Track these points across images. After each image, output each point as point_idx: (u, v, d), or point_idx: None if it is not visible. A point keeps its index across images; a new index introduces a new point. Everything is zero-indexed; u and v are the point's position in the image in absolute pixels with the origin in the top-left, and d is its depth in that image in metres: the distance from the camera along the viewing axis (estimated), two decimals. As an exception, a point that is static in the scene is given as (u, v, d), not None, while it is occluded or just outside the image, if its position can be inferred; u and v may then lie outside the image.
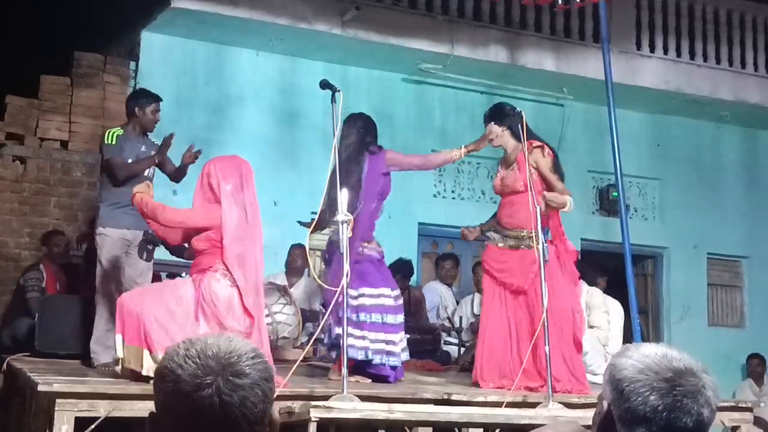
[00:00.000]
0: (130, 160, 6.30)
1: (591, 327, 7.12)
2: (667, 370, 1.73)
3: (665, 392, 1.71)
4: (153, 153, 6.45)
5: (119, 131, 6.46)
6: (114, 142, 6.34)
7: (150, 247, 6.22)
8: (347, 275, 4.78)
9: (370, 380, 5.67)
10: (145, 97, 6.65)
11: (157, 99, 6.58)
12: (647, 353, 1.77)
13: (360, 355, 5.58)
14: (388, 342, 5.73)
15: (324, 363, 6.59)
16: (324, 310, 5.71)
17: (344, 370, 4.55)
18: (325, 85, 5.22)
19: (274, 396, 1.61)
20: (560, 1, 8.69)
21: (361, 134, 5.96)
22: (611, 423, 1.77)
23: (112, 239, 6.15)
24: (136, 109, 6.51)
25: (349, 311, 5.60)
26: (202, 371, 1.53)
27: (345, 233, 4.78)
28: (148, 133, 6.60)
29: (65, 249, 7.91)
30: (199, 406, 1.51)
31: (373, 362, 5.68)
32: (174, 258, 6.90)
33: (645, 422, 1.72)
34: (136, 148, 6.37)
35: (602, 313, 7.16)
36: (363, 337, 5.64)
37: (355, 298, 5.66)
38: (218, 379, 1.52)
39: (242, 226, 5.06)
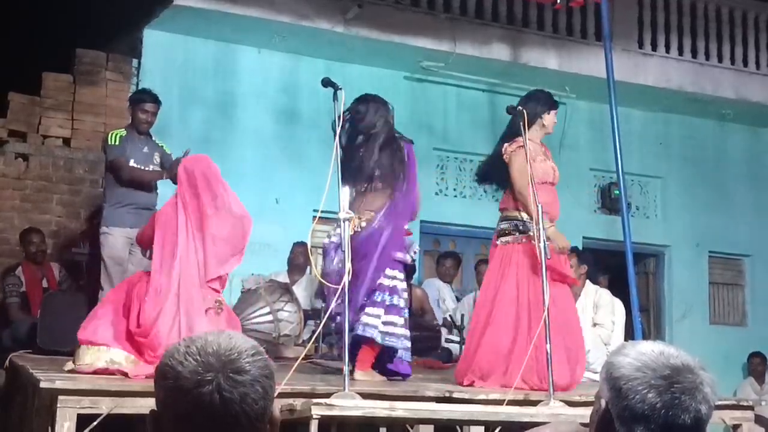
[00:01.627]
0: (131, 160, 6.33)
1: (595, 325, 7.15)
2: (665, 367, 1.74)
3: (663, 389, 1.71)
4: (156, 155, 6.46)
5: (122, 132, 6.50)
6: (117, 143, 6.39)
7: None
8: (349, 273, 4.77)
9: (401, 377, 5.68)
10: (137, 96, 6.67)
11: (148, 99, 6.54)
12: (644, 351, 1.77)
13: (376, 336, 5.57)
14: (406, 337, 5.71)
15: (325, 361, 6.59)
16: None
17: (345, 369, 4.55)
18: (327, 83, 5.21)
19: (275, 393, 1.62)
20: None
21: (390, 124, 5.93)
22: (609, 421, 1.78)
23: (115, 238, 6.23)
24: (129, 108, 6.56)
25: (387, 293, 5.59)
26: (202, 368, 1.54)
27: (347, 231, 4.78)
28: (152, 135, 6.61)
29: (65, 245, 7.94)
30: (200, 403, 1.52)
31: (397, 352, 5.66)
32: None
33: (643, 420, 1.72)
34: (137, 148, 6.39)
35: (608, 313, 7.18)
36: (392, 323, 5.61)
37: (391, 278, 5.66)
38: (219, 375, 1.53)
39: (169, 217, 5.11)
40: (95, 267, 6.42)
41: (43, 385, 4.30)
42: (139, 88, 8.62)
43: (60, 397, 4.22)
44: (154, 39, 8.98)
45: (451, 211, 10.07)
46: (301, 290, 7.92)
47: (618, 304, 7.32)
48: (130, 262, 6.23)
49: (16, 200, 8.43)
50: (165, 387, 1.56)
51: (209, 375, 1.53)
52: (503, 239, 5.84)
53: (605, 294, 7.32)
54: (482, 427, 4.72)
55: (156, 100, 6.58)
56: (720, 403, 5.11)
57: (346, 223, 4.75)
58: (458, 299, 8.93)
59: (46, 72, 8.76)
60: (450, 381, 6.00)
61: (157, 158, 6.49)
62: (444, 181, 10.20)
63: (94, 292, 6.27)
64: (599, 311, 7.17)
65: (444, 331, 8.34)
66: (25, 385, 5.29)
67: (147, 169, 6.45)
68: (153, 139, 6.61)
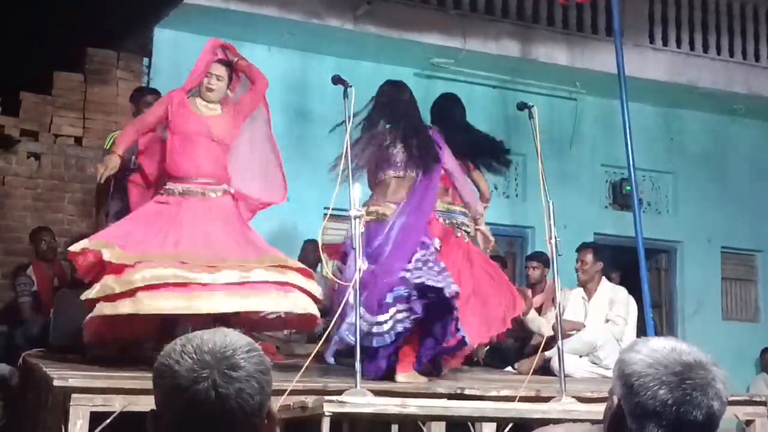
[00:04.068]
0: (134, 157, 6.25)
1: (607, 321, 7.15)
2: (677, 363, 1.73)
3: (675, 386, 1.71)
4: None
5: None
6: (109, 147, 6.32)
7: None
8: (360, 270, 4.77)
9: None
10: (140, 92, 6.66)
11: (153, 92, 6.56)
12: (656, 347, 1.77)
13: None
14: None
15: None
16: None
17: (357, 365, 4.55)
18: (337, 80, 5.20)
19: (271, 388, 1.64)
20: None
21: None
22: (621, 418, 1.78)
23: None
24: (132, 105, 6.53)
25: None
26: (198, 365, 1.57)
27: (358, 228, 4.77)
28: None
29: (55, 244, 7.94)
30: (196, 400, 1.56)
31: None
32: None
33: (655, 416, 1.72)
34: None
35: (622, 310, 7.17)
36: None
37: None
38: (214, 372, 1.56)
39: None
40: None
41: (56, 383, 4.31)
42: (150, 87, 8.63)
43: (73, 395, 4.24)
44: (164, 38, 9.01)
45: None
46: (312, 288, 7.91)
47: (632, 302, 7.31)
48: None
49: (29, 199, 8.47)
50: (162, 386, 1.61)
51: (205, 372, 1.56)
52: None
53: (621, 291, 7.31)
54: (494, 424, 4.72)
55: (156, 92, 6.60)
56: (733, 399, 5.11)
57: (357, 220, 4.74)
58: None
59: (58, 71, 8.79)
60: (461, 377, 6.00)
61: None
62: (454, 178, 10.17)
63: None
64: (614, 307, 7.16)
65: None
66: (38, 383, 5.31)
67: None
68: None
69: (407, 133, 5.64)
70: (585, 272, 7.24)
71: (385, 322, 5.27)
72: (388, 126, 5.69)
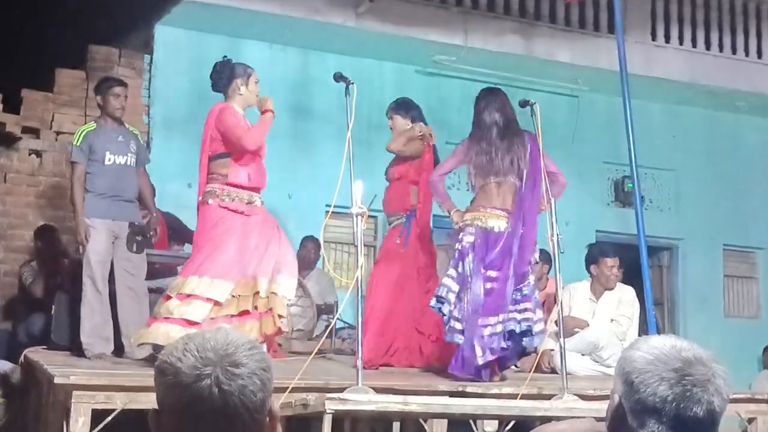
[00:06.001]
0: (107, 152, 6.18)
1: (612, 321, 7.14)
2: (676, 360, 1.74)
3: (674, 382, 1.71)
4: (132, 143, 6.27)
5: (90, 127, 6.27)
6: (79, 143, 6.16)
7: (139, 238, 6.07)
8: (361, 268, 4.77)
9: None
10: (104, 83, 6.43)
11: (118, 83, 6.40)
12: (656, 344, 1.78)
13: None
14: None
15: (337, 356, 6.58)
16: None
17: (359, 363, 4.55)
18: (339, 77, 5.21)
19: (273, 386, 1.65)
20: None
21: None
22: (623, 416, 1.78)
23: (97, 230, 5.99)
24: (99, 98, 6.32)
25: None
26: (201, 363, 1.58)
27: (360, 226, 4.77)
28: (128, 126, 6.48)
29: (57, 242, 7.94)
30: (200, 397, 1.57)
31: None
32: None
33: (655, 413, 1.72)
34: (112, 138, 6.19)
35: (628, 310, 7.16)
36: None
37: None
38: (216, 369, 1.58)
39: None
40: (78, 262, 6.27)
41: (57, 380, 4.32)
42: (150, 84, 8.65)
43: (74, 393, 4.25)
44: (166, 35, 9.00)
45: (463, 205, 10.04)
46: (312, 284, 7.91)
47: (637, 301, 7.31)
48: (117, 256, 6.01)
49: (30, 197, 8.47)
50: (165, 383, 1.62)
51: (208, 369, 1.57)
52: None
53: (629, 291, 7.29)
54: (495, 422, 4.72)
55: (124, 84, 6.46)
56: (735, 396, 5.10)
57: (359, 218, 4.74)
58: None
59: (59, 68, 8.78)
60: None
61: (133, 146, 6.28)
62: (456, 176, 10.14)
63: (72, 286, 6.18)
64: (620, 306, 7.14)
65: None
66: (40, 380, 5.32)
67: (122, 158, 6.21)
68: (126, 126, 6.43)
69: (500, 137, 5.82)
70: (617, 277, 7.30)
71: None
72: (485, 132, 5.85)
